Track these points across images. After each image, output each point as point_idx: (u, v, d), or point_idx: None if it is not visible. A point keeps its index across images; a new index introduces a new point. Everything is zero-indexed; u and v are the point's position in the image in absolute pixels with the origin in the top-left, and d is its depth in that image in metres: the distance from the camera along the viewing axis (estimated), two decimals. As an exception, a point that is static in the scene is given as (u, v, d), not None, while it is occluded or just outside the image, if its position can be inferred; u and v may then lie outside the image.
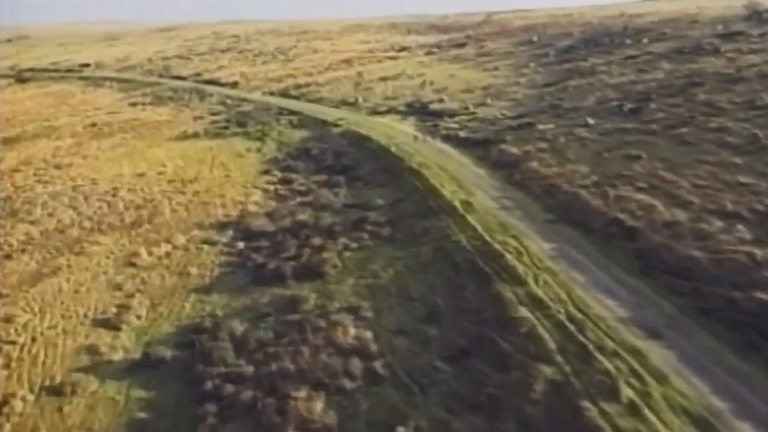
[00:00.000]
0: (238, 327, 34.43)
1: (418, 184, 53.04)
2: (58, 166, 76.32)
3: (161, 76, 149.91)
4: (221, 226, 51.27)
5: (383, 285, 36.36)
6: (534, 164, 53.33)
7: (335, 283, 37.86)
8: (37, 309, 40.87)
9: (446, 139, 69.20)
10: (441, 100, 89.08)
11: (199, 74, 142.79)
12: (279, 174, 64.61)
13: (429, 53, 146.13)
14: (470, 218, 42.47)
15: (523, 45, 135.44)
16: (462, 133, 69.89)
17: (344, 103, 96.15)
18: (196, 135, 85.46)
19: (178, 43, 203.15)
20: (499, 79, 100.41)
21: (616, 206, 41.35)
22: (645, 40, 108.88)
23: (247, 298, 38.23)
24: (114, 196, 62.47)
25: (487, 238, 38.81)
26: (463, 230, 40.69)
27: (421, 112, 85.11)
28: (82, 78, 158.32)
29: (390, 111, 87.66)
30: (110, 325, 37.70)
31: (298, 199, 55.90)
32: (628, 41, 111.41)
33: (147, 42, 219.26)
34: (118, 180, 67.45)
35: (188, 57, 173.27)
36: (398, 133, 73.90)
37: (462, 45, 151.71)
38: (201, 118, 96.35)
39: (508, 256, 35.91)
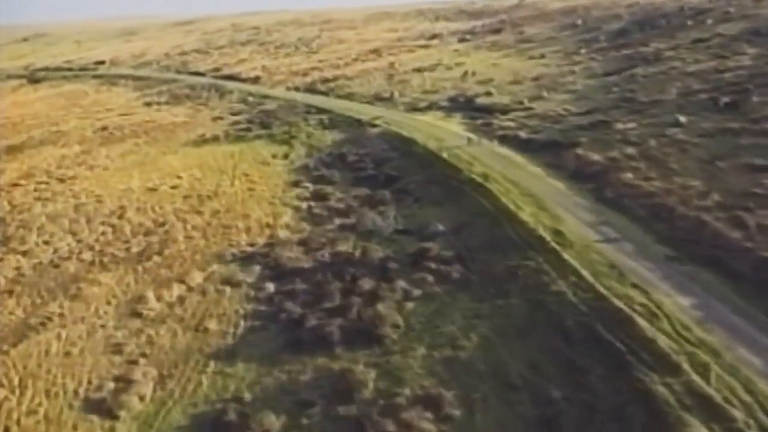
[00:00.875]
0: (274, 423, 25.22)
1: (484, 203, 43.29)
2: (61, 179, 67.75)
3: (178, 72, 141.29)
4: (246, 259, 42.03)
5: (468, 360, 26.80)
6: (627, 176, 43.20)
7: (400, 353, 28.39)
8: (16, 381, 32.03)
9: (504, 140, 59.26)
10: (488, 94, 78.94)
11: (218, 69, 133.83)
12: (311, 186, 55.24)
13: (463, 40, 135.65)
14: (568, 256, 32.67)
15: (566, 29, 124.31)
16: (522, 134, 59.88)
17: (378, 98, 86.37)
18: (215, 139, 76.39)
19: (196, 37, 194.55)
20: (549, 68, 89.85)
21: (763, 240, 31.23)
22: (709, 21, 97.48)
23: (283, 373, 28.94)
24: (120, 217, 53.54)
25: (601, 288, 29.01)
26: (563, 275, 30.91)
27: (467, 107, 75.14)
28: (96, 76, 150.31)
29: (431, 107, 77.73)
30: (105, 409, 28.71)
31: (337, 221, 46.41)
32: (689, 22, 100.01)
33: (164, 36, 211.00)
34: (127, 196, 58.54)
35: (207, 51, 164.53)
36: (446, 133, 64.09)
37: (498, 31, 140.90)
38: (220, 118, 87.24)
39: (640, 321, 26.13)
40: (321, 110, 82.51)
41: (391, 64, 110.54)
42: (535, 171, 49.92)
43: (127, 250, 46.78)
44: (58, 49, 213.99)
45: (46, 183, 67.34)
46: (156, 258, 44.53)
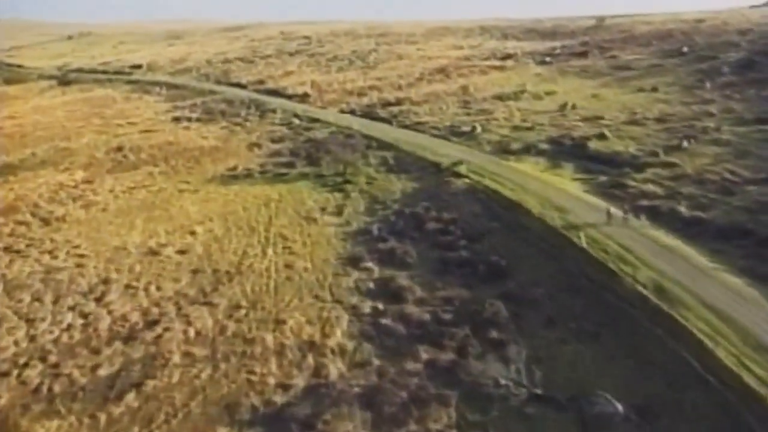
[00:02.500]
0: None
1: (680, 352, 25.19)
2: (46, 221, 51.81)
3: (218, 82, 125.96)
4: (273, 423, 24.65)
5: None
6: None
7: None
8: None
9: (656, 217, 40.99)
10: (602, 137, 60.69)
11: (261, 82, 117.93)
12: (376, 270, 37.86)
13: (543, 63, 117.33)
14: None
15: (670, 56, 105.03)
16: (681, 208, 41.59)
17: (455, 132, 68.79)
18: (248, 175, 59.84)
19: (242, 44, 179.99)
20: (671, 106, 71.01)
21: None
22: None
23: None
24: (100, 300, 36.90)
25: None
26: None
27: (578, 154, 57.08)
28: (130, 82, 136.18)
29: (528, 150, 59.80)
30: None
31: (423, 353, 28.78)
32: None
33: (209, 42, 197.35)
34: (117, 262, 41.98)
35: (251, 60, 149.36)
36: (563, 196, 46.03)
37: (583, 54, 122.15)
38: (258, 145, 70.71)
39: None
40: (383, 144, 65.24)
41: (465, 88, 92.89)
42: (732, 283, 31.46)
43: (93, 371, 29.88)
44: (99, 50, 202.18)
45: (27, 225, 51.64)
46: (130, 398, 27.49)
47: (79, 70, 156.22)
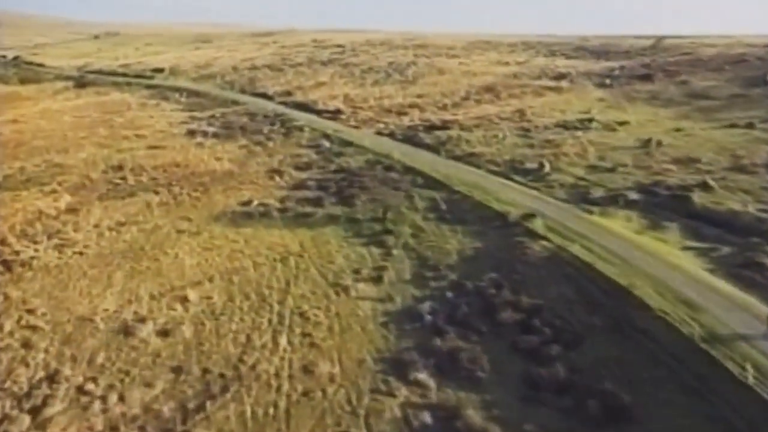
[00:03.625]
0: None
1: None
2: (8, 266, 41.11)
3: (242, 91, 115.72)
4: None
5: None
6: None
7: None
8: None
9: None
10: (706, 187, 48.53)
11: (289, 93, 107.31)
12: (433, 388, 26.41)
13: (602, 85, 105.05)
14: None
15: (753, 85, 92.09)
16: None
17: (518, 169, 57.03)
18: (264, 213, 48.68)
19: (271, 51, 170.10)
20: (780, 148, 58.46)
21: None
22: None
23: None
24: (35, 415, 25.72)
25: None
26: None
27: (681, 211, 44.88)
28: (149, 86, 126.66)
29: (614, 200, 47.68)
30: None
31: None
32: None
33: (238, 47, 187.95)
34: (78, 340, 30.99)
35: (280, 68, 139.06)
36: (683, 278, 33.85)
37: (647, 77, 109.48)
38: (279, 173, 59.60)
39: None
40: (431, 182, 53.72)
41: (520, 112, 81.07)
42: None
43: None
44: (123, 51, 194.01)
45: (-19, 270, 40.56)
46: None
47: (99, 72, 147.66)
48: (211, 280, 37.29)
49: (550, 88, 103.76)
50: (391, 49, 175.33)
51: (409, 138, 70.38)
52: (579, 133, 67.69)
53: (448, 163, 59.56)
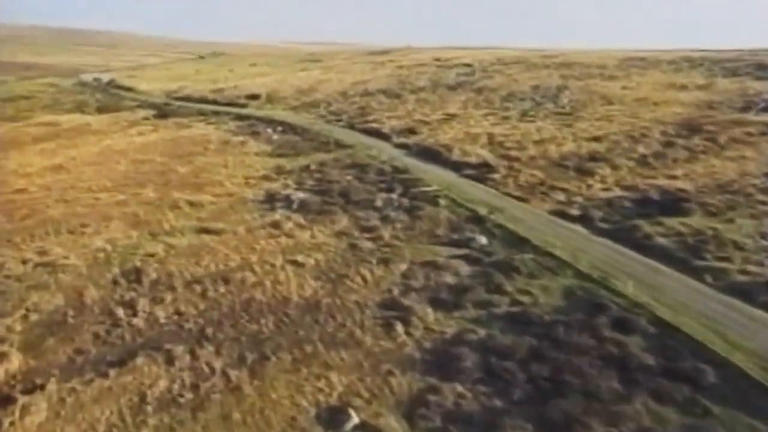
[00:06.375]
0: None
1: None
2: None
3: (350, 125, 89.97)
4: None
5: None
6: None
7: None
8: None
9: None
10: None
11: (411, 131, 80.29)
12: None
13: None
14: None
15: None
16: None
17: None
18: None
19: (387, 72, 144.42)
20: None
21: None
22: None
23: None
24: None
25: None
26: None
27: None
28: (240, 117, 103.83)
29: None
30: None
31: None
32: None
33: (349, 68, 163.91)
34: None
35: (398, 94, 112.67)
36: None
37: None
38: (403, 315, 31.62)
39: None
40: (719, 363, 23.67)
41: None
42: None
43: None
44: (222, 73, 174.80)
45: None
46: None
47: (187, 98, 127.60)
48: None
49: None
50: (529, 69, 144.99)
51: (623, 231, 40.64)
52: None
53: (718, 300, 29.32)
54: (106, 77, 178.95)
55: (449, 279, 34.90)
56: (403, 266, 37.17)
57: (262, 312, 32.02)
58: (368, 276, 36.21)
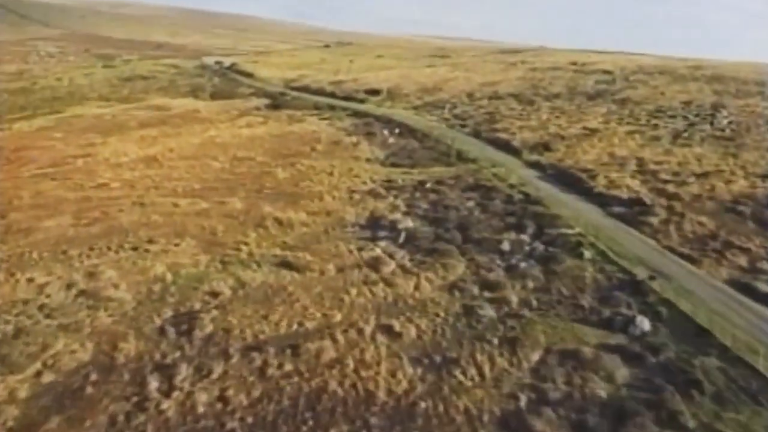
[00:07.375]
0: None
1: None
2: None
3: (476, 133, 79.85)
4: None
5: None
6: None
7: None
8: None
9: None
10: None
11: (546, 146, 69.18)
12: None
13: None
14: None
15: None
16: None
17: None
18: None
19: (519, 74, 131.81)
20: None
21: None
22: None
23: None
24: None
25: None
26: None
27: None
28: (357, 113, 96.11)
29: None
30: None
31: None
32: None
33: (479, 66, 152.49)
34: None
35: (531, 100, 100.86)
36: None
37: None
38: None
39: None
40: None
41: None
42: None
43: None
44: (345, 64, 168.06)
45: None
46: None
47: (304, 89, 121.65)
48: None
49: None
50: (676, 81, 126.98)
51: None
52: None
53: None
54: (227, 61, 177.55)
55: (600, 389, 24.21)
56: (536, 355, 26.98)
57: (333, 415, 22.84)
58: (486, 366, 26.29)
